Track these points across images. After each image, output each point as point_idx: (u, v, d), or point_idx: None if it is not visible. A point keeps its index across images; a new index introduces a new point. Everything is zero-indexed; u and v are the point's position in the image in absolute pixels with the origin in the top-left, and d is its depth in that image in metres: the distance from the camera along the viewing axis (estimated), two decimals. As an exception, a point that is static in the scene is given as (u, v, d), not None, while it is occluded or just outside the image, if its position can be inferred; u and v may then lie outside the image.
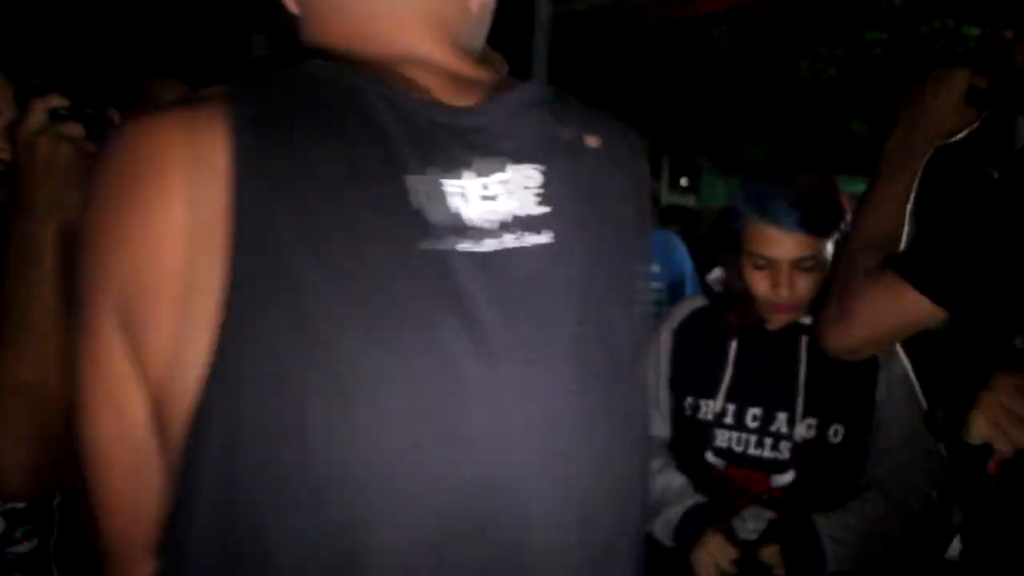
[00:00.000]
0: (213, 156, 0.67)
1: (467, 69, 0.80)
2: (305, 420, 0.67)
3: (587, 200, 0.79)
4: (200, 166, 0.67)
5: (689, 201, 13.29)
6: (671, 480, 1.71)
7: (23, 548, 1.28)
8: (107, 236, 0.70)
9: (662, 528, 1.67)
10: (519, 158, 0.76)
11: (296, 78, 0.72)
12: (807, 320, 1.69)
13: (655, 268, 3.11)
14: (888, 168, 1.47)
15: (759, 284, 1.66)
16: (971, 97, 1.44)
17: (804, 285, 1.65)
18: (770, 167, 1.80)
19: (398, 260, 0.69)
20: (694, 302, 1.80)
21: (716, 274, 1.79)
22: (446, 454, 0.70)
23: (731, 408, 1.70)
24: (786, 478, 1.66)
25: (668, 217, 4.74)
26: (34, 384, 1.14)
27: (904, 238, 1.44)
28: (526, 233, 0.75)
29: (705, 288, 1.80)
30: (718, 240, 1.79)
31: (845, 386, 1.68)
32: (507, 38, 1.44)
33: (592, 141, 0.81)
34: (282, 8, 0.84)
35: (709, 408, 1.71)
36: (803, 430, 1.66)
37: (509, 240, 0.74)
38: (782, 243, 1.63)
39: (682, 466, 1.72)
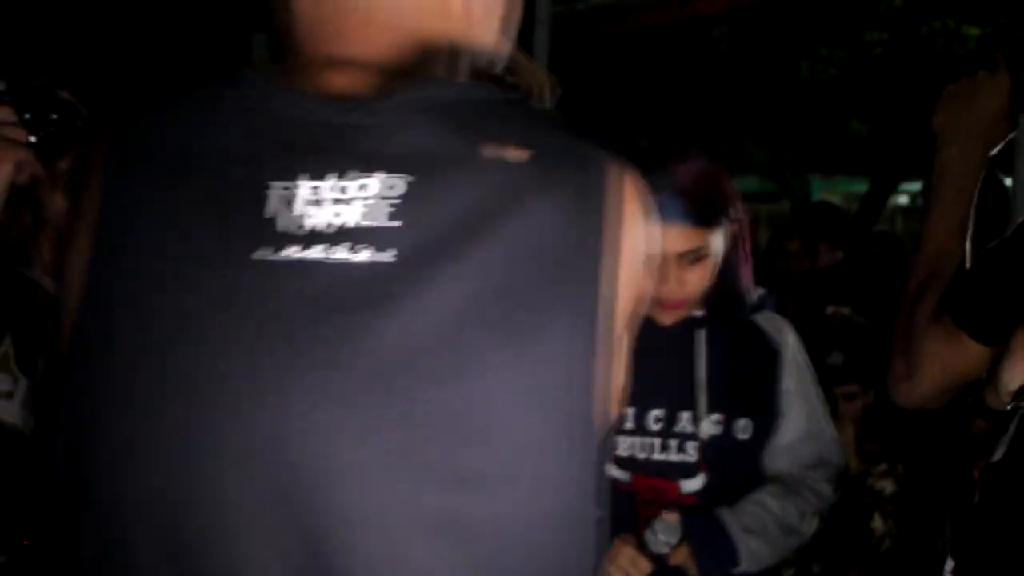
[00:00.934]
0: (95, 157, 0.74)
1: (402, 65, 0.74)
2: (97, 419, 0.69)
3: (469, 221, 0.68)
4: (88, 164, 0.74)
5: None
6: None
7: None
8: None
9: None
10: (390, 165, 0.69)
11: (200, 81, 0.76)
12: (700, 313, 1.64)
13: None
14: (946, 194, 1.36)
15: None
16: (1014, 102, 1.39)
17: (693, 279, 1.59)
18: (652, 155, 1.71)
19: (228, 268, 0.68)
20: None
21: None
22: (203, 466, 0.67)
23: (631, 412, 1.61)
24: (696, 483, 1.60)
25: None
26: None
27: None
28: (363, 246, 0.68)
29: None
30: None
31: (748, 378, 1.63)
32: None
33: (515, 155, 0.70)
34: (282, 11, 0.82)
35: None
36: (709, 427, 1.60)
37: (337, 252, 0.68)
38: (666, 237, 1.54)
39: None
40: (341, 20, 0.76)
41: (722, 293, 1.66)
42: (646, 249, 0.75)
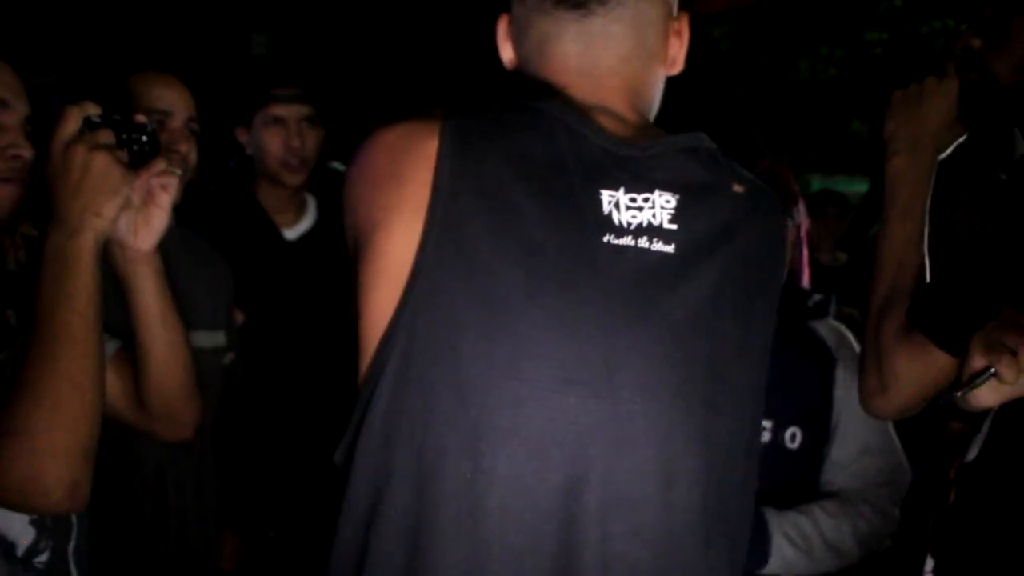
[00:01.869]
0: (427, 148, 0.98)
1: (638, 120, 1.09)
2: (460, 346, 0.95)
3: (716, 230, 1.02)
4: (418, 155, 0.98)
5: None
6: None
7: (46, 557, 1.26)
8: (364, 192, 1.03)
9: None
10: (663, 187, 1.01)
11: (499, 103, 1.02)
12: None
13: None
14: (898, 203, 1.39)
15: None
16: (962, 110, 1.40)
17: None
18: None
19: (587, 246, 0.98)
20: None
21: None
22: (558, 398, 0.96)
23: None
24: None
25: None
26: (73, 399, 1.12)
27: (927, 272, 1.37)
28: (655, 240, 0.99)
29: None
30: None
31: (800, 385, 1.59)
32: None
33: (737, 187, 1.05)
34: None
35: None
36: None
37: (643, 242, 0.99)
38: None
39: None
40: (583, 80, 1.08)
41: (783, 298, 1.61)
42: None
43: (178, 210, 1.88)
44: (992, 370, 1.08)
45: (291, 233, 2.42)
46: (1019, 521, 1.19)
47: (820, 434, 1.60)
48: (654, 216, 1.00)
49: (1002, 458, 1.23)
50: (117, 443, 1.70)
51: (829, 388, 1.60)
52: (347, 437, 1.01)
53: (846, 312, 3.11)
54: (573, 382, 0.96)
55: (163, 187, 1.36)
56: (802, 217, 1.64)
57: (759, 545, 1.53)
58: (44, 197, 1.21)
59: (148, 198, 1.36)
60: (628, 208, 1.00)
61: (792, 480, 1.59)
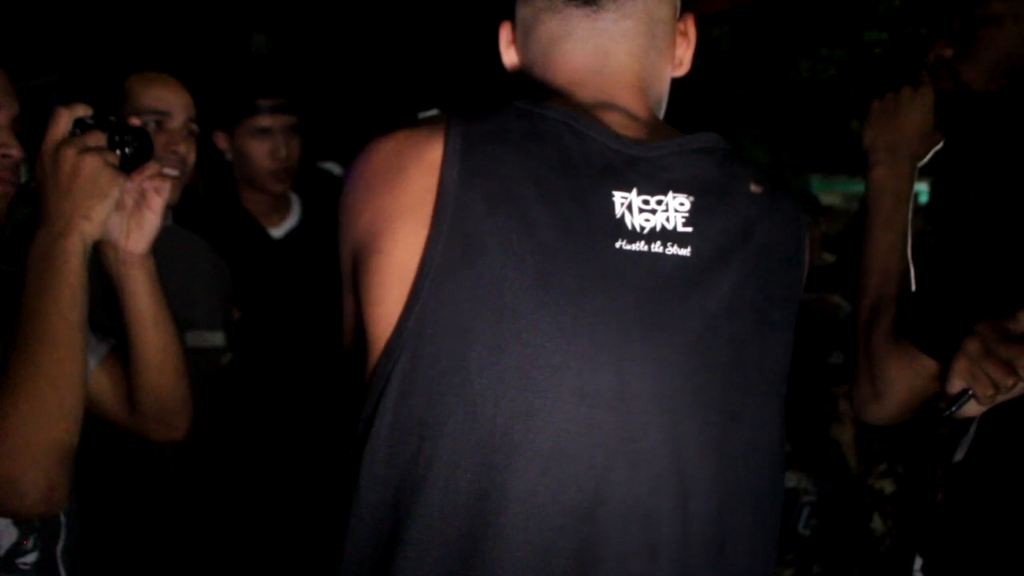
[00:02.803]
0: (430, 154, 0.95)
1: (649, 118, 1.06)
2: (468, 355, 0.92)
3: (733, 231, 0.99)
4: (420, 161, 0.95)
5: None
6: None
7: (32, 557, 1.25)
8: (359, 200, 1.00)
9: None
10: (676, 188, 0.98)
11: (503, 109, 0.99)
12: None
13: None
14: (882, 213, 1.41)
15: None
16: (938, 119, 1.42)
17: None
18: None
19: (598, 251, 0.95)
20: None
21: None
22: (576, 408, 0.93)
23: None
24: None
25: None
26: (52, 401, 1.11)
27: (912, 277, 1.39)
28: (670, 244, 0.97)
29: None
30: None
31: None
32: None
33: (755, 188, 1.02)
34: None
35: None
36: None
37: (656, 247, 0.96)
38: None
39: None
40: (595, 78, 1.05)
41: None
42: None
43: (175, 210, 1.89)
44: (970, 392, 1.11)
45: (277, 231, 2.43)
46: (1004, 520, 1.20)
47: None
48: (668, 219, 0.97)
49: (988, 459, 1.25)
50: (115, 443, 1.71)
51: None
52: (351, 450, 0.98)
53: (832, 300, 3.11)
54: (586, 393, 0.93)
55: (156, 190, 1.36)
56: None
57: None
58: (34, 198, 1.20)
59: (141, 201, 1.35)
60: (641, 211, 0.97)
61: None
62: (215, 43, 4.60)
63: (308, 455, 2.05)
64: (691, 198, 0.98)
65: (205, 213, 2.33)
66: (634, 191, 0.97)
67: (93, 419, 1.67)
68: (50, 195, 1.18)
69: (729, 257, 0.98)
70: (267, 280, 2.32)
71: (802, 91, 8.29)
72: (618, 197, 0.96)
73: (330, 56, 5.01)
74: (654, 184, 0.98)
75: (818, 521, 2.76)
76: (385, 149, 0.99)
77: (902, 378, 1.31)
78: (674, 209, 0.98)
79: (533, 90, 1.08)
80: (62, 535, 1.31)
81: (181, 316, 1.51)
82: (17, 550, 1.23)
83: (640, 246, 0.96)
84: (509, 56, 1.12)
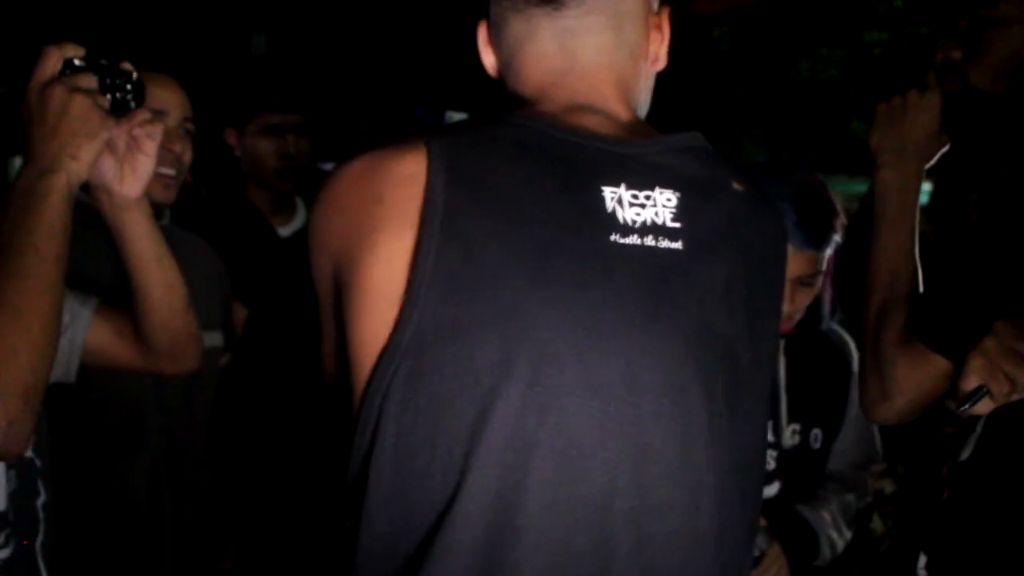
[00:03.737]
0: (406, 166, 0.94)
1: (630, 118, 1.06)
2: (476, 356, 0.91)
3: (720, 227, 1.00)
4: (393, 175, 0.94)
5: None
6: None
7: (5, 553, 1.23)
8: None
9: None
10: (663, 184, 0.98)
11: (480, 122, 1.00)
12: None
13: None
14: (889, 214, 1.42)
15: None
16: (945, 120, 1.42)
17: (803, 300, 1.62)
18: (763, 171, 1.73)
19: (594, 245, 0.95)
20: None
21: None
22: (585, 403, 0.93)
23: None
24: (771, 490, 1.63)
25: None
26: (13, 333, 1.06)
27: (920, 278, 1.40)
28: (661, 238, 0.97)
29: None
30: None
31: (823, 389, 1.66)
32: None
33: (737, 185, 1.03)
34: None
35: None
36: (789, 437, 1.63)
37: (649, 240, 0.96)
38: (789, 262, 1.58)
39: None
40: (566, 78, 1.04)
41: (811, 307, 1.68)
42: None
43: (173, 210, 1.89)
44: (985, 390, 1.11)
45: (285, 230, 2.44)
46: (1011, 518, 1.21)
47: (834, 432, 1.68)
48: (657, 214, 0.97)
49: (995, 458, 1.25)
50: (113, 441, 1.71)
51: (847, 390, 1.67)
52: (353, 467, 0.96)
53: None
54: (595, 387, 0.93)
55: (148, 135, 1.35)
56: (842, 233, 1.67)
57: (810, 541, 1.61)
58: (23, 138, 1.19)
59: (133, 145, 1.35)
60: (631, 205, 0.96)
61: (812, 476, 1.67)
62: (215, 43, 4.60)
63: (314, 454, 2.05)
64: (678, 194, 0.98)
65: (211, 209, 2.33)
66: (623, 186, 0.96)
67: (92, 421, 1.68)
68: (36, 134, 1.16)
69: (718, 251, 0.99)
70: (275, 277, 2.32)
71: (802, 91, 8.29)
72: (608, 192, 0.96)
73: (330, 56, 5.01)
74: (642, 180, 0.98)
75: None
76: (355, 169, 0.98)
77: (912, 378, 1.31)
78: (662, 205, 0.97)
79: (510, 93, 1.07)
80: (40, 530, 1.30)
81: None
82: None
83: (634, 239, 0.95)
84: (487, 56, 1.10)
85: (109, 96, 1.24)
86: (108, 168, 1.32)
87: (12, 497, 1.26)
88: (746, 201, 1.03)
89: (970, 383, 1.13)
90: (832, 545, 1.65)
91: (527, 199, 0.93)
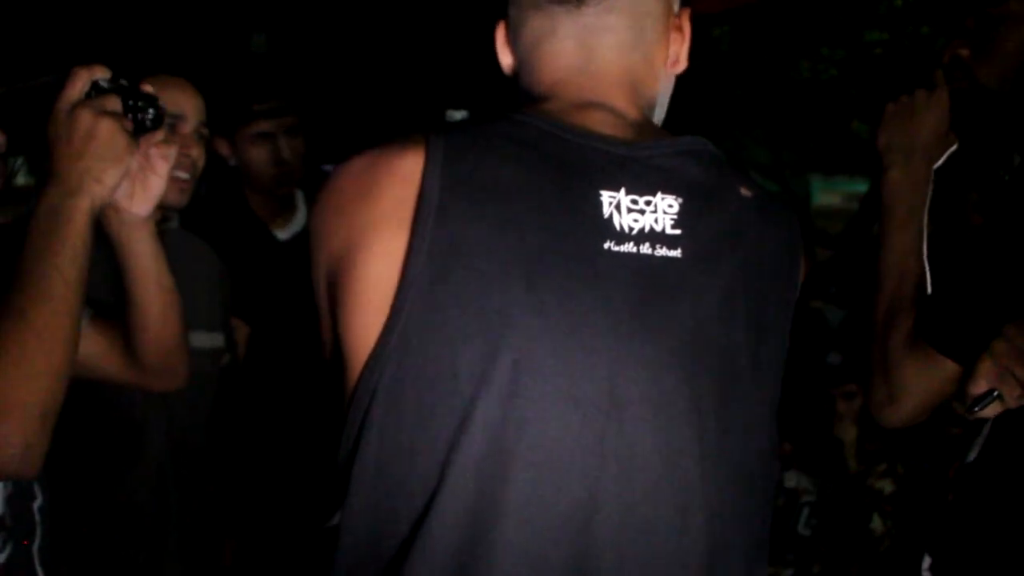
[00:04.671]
0: (405, 165, 0.92)
1: (638, 117, 1.02)
2: (458, 363, 0.88)
3: (724, 234, 0.96)
4: (392, 173, 0.93)
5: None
6: None
7: (3, 557, 1.23)
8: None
9: None
10: (666, 189, 0.95)
11: (482, 121, 0.97)
12: None
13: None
14: (898, 215, 1.41)
15: None
16: (952, 120, 1.42)
17: None
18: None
19: (587, 253, 0.92)
20: None
21: None
22: (577, 419, 0.90)
23: None
24: None
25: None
26: (38, 356, 1.07)
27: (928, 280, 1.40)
28: (658, 246, 0.93)
29: None
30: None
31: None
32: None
33: (745, 191, 1.00)
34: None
35: None
36: None
37: (645, 248, 0.93)
38: None
39: None
40: (579, 77, 1.02)
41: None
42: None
43: (182, 213, 1.89)
44: (996, 393, 1.10)
45: (284, 234, 2.44)
46: (1017, 522, 1.20)
47: None
48: (656, 221, 0.94)
49: (1002, 460, 1.25)
50: (118, 442, 1.71)
51: None
52: (337, 470, 0.94)
53: (813, 305, 3.11)
54: (578, 399, 0.90)
55: (162, 156, 1.36)
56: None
57: None
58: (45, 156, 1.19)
59: (146, 165, 1.35)
60: (630, 211, 0.93)
61: None
62: (215, 43, 4.59)
63: (315, 457, 2.05)
64: (680, 200, 0.95)
65: (210, 216, 2.33)
66: (622, 191, 0.94)
67: (96, 423, 1.68)
68: (62, 155, 1.17)
69: (720, 259, 0.96)
70: (273, 283, 2.32)
71: (803, 91, 8.28)
72: (606, 197, 0.93)
73: (330, 56, 5.00)
74: (643, 184, 0.95)
75: (818, 521, 2.76)
76: (354, 168, 0.97)
77: (919, 381, 1.31)
78: (663, 211, 0.94)
79: (523, 91, 1.06)
80: (38, 533, 1.29)
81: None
82: None
83: (629, 247, 0.92)
84: (505, 56, 1.09)
85: (131, 117, 1.25)
86: (120, 186, 1.33)
87: (8, 501, 1.26)
88: (755, 207, 0.99)
89: (980, 387, 1.12)
90: None
91: (522, 202, 0.91)
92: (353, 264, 0.93)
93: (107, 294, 1.52)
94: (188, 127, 1.78)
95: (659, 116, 1.10)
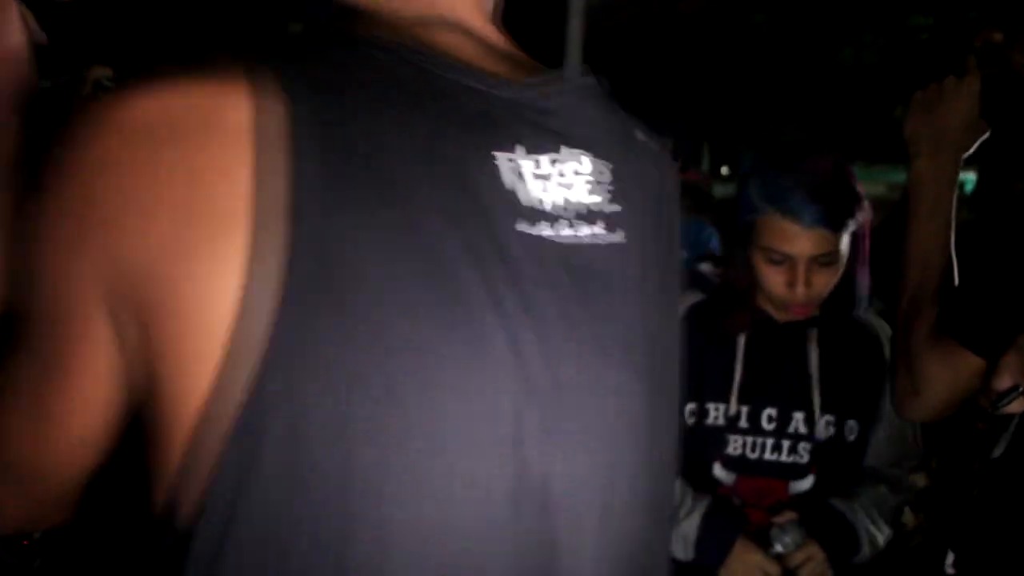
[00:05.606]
0: (241, 123, 0.59)
1: (498, 40, 0.76)
2: (346, 413, 0.61)
3: (647, 199, 0.77)
4: (224, 136, 0.59)
5: (731, 190, 13.16)
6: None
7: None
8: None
9: (677, 542, 1.57)
10: (595, 151, 0.72)
11: (329, 42, 0.68)
12: (815, 312, 1.61)
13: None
14: (924, 205, 1.38)
15: (773, 280, 1.54)
16: (984, 107, 1.39)
17: (821, 282, 1.55)
18: (781, 152, 1.68)
19: (497, 239, 0.66)
20: (688, 298, 1.65)
21: (707, 267, 1.72)
22: (494, 454, 0.66)
23: (745, 410, 1.59)
24: (805, 484, 1.59)
25: (701, 207, 4.69)
26: None
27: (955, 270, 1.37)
28: (600, 229, 0.72)
29: (698, 282, 1.71)
30: (725, 232, 1.70)
31: (857, 379, 1.61)
32: (541, 24, 1.43)
33: (640, 136, 0.79)
34: None
35: (720, 412, 1.60)
36: (823, 429, 1.59)
37: (584, 233, 0.71)
38: (801, 239, 1.51)
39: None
40: None
41: (840, 293, 1.62)
42: None
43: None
44: (1021, 389, 1.09)
45: None
46: None
47: (870, 424, 1.63)
48: (569, 188, 0.70)
49: None
50: (118, 444, 1.73)
51: (882, 380, 1.61)
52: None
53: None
54: (481, 446, 0.66)
55: None
56: (865, 216, 1.63)
57: (849, 537, 1.59)
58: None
59: None
60: (536, 177, 0.68)
61: (847, 470, 1.63)
62: (215, 43, 4.62)
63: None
64: (589, 155, 0.72)
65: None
66: (519, 149, 0.68)
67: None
68: None
69: (644, 227, 0.76)
70: None
71: (845, 78, 8.20)
72: (502, 160, 0.67)
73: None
74: (542, 138, 0.70)
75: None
76: (133, 118, 0.60)
77: (942, 374, 1.29)
78: (573, 172, 0.70)
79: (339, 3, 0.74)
80: (36, 535, 1.32)
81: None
82: None
83: (543, 230, 0.68)
84: None
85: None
86: None
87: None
88: (650, 155, 0.79)
89: (1004, 382, 1.11)
90: (872, 540, 1.60)
91: (410, 178, 0.63)
92: (174, 296, 0.60)
93: None
94: None
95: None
